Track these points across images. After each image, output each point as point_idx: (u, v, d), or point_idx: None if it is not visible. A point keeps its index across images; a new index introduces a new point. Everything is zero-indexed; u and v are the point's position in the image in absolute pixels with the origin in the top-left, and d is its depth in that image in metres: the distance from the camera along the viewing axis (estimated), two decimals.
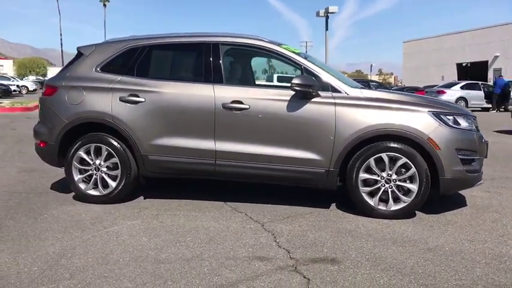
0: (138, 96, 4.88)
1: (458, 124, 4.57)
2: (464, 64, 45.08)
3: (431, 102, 4.80)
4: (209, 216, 4.62)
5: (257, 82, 6.13)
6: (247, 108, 4.68)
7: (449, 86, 26.61)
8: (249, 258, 3.53)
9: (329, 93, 4.64)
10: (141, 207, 4.94)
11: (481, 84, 27.00)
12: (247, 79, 5.52)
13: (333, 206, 5.03)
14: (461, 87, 25.58)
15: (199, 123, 4.79)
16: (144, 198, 5.26)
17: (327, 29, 30.70)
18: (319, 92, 4.61)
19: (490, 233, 4.21)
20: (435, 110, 4.54)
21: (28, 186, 5.89)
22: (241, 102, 4.69)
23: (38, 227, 4.27)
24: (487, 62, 42.26)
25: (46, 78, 58.43)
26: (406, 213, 4.57)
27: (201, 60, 4.94)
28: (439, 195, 4.66)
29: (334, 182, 4.67)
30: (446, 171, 4.45)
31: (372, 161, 4.54)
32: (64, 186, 5.79)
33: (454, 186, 4.61)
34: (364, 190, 4.59)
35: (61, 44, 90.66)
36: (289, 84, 4.61)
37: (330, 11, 29.20)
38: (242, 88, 4.88)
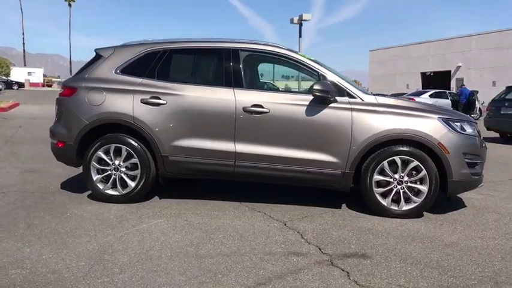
0: (160, 99, 5.01)
1: (464, 130, 4.91)
2: (428, 73, 46.63)
3: (439, 109, 5.13)
4: (231, 215, 4.79)
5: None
6: (267, 112, 4.88)
7: (419, 94, 27.56)
8: (285, 254, 3.73)
9: (345, 99, 4.90)
10: (161, 206, 5.06)
11: (448, 92, 28.15)
12: (266, 84, 5.73)
13: (344, 206, 5.29)
14: (430, 96, 26.52)
15: (220, 125, 4.96)
16: (160, 199, 5.38)
17: (300, 36, 31.19)
18: (336, 98, 4.87)
19: (496, 230, 4.55)
20: (444, 117, 4.87)
21: (38, 186, 5.90)
22: (261, 106, 4.89)
23: (66, 225, 4.34)
24: (449, 71, 43.86)
25: (10, 78, 56.97)
26: (416, 213, 4.87)
27: (221, 65, 5.12)
28: (446, 196, 4.99)
29: (349, 183, 4.92)
30: (454, 174, 4.77)
31: (385, 163, 4.82)
32: (74, 185, 5.87)
33: (460, 188, 4.95)
34: (377, 191, 4.87)
35: (23, 44, 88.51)
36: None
37: (304, 18, 29.69)
38: (262, 92, 5.09)
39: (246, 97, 4.95)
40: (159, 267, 3.41)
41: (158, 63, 5.18)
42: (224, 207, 5.12)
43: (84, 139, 5.13)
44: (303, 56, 5.16)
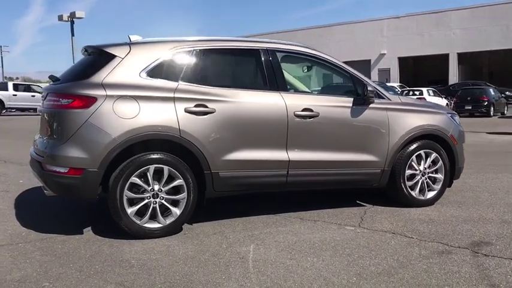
0: (207, 107, 4.28)
1: (458, 122, 5.66)
2: None
3: (442, 107, 5.76)
4: (301, 229, 4.45)
5: None
6: (317, 116, 4.69)
7: None
8: (435, 254, 3.73)
9: (378, 100, 5.06)
10: (216, 232, 4.35)
11: None
12: (305, 86, 5.41)
13: (364, 203, 5.43)
14: None
15: (272, 132, 4.55)
16: (191, 224, 4.57)
17: (73, 35, 28.59)
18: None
19: (507, 206, 5.31)
20: (450, 112, 5.52)
21: (4, 235, 4.31)
22: (311, 110, 4.67)
23: (164, 275, 3.39)
24: None
25: None
26: (436, 200, 5.37)
27: (262, 66, 4.65)
28: (452, 182, 5.64)
29: (386, 180, 5.10)
30: (459, 161, 5.46)
31: (414, 157, 5.17)
32: (51, 226, 4.57)
33: (460, 172, 5.66)
34: (408, 184, 5.19)
35: None
36: None
37: (76, 16, 27.29)
38: (307, 96, 4.89)
39: (294, 101, 4.64)
40: None
41: (193, 65, 4.40)
42: (271, 222, 4.69)
43: (113, 163, 4.00)
44: (333, 58, 5.10)
